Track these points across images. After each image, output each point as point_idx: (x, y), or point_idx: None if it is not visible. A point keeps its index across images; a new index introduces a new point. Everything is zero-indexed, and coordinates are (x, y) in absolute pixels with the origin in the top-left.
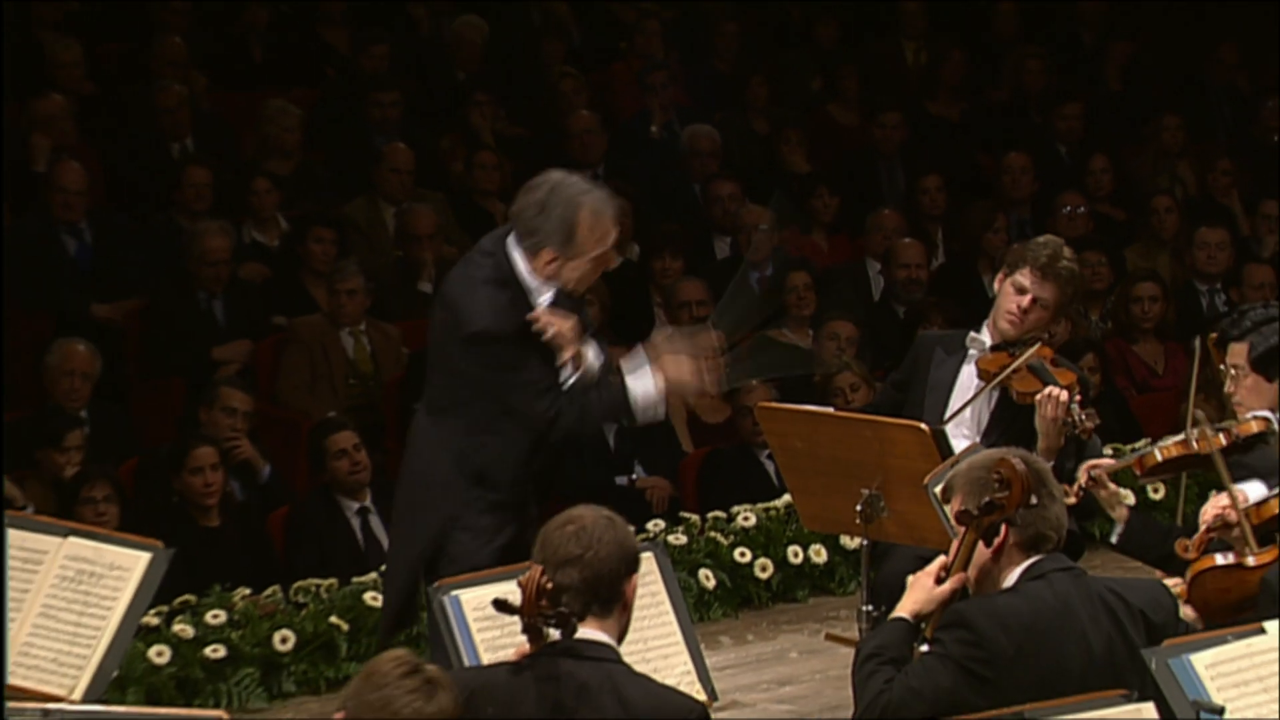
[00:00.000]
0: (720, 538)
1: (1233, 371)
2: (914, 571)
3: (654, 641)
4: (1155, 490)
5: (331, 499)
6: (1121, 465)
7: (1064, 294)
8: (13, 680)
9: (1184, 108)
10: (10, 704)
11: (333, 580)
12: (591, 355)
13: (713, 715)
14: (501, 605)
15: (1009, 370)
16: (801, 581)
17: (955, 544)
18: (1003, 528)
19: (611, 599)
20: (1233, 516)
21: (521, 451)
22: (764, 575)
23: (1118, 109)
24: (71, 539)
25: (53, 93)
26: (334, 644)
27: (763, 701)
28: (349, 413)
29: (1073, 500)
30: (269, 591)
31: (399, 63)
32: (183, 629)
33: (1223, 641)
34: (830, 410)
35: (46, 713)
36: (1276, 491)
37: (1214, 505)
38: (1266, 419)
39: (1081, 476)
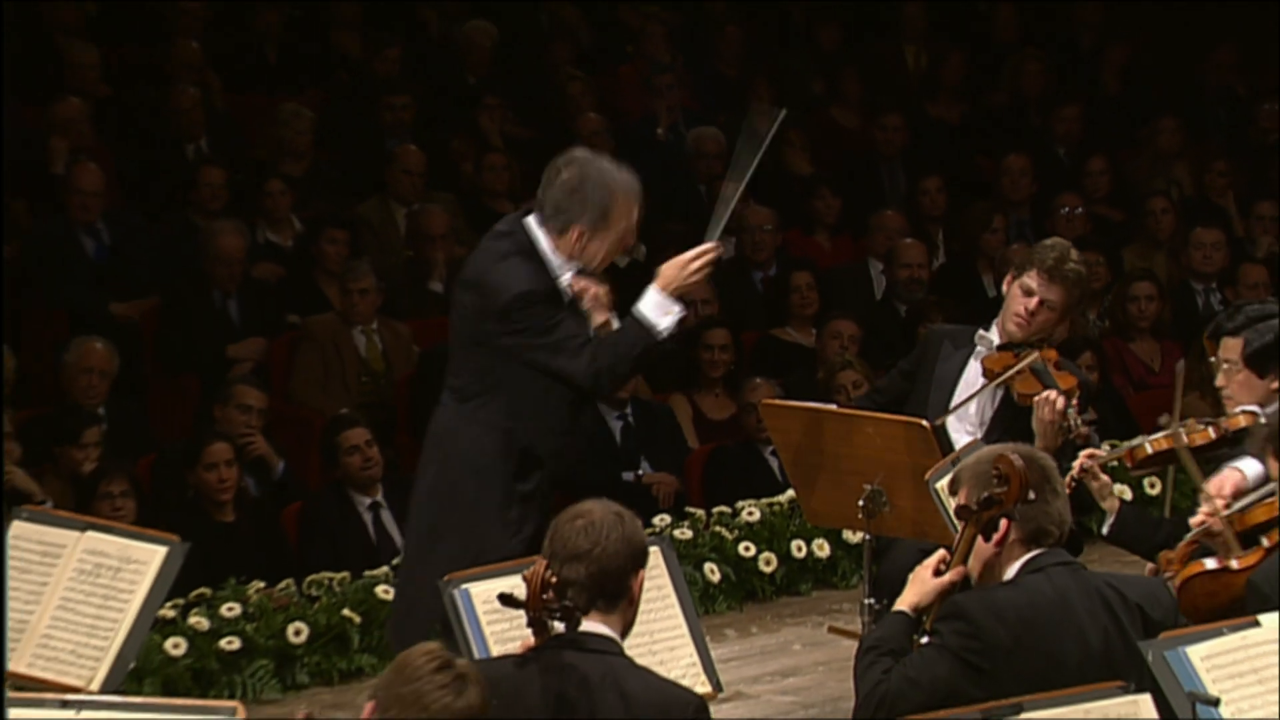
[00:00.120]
0: (725, 532)
1: (1225, 365)
2: (916, 565)
3: (660, 634)
4: (1153, 486)
5: (344, 494)
6: (1113, 457)
7: (1071, 296)
8: (32, 671)
9: (1181, 110)
10: (30, 694)
11: (345, 574)
12: (616, 324)
13: (717, 706)
14: (506, 599)
15: (1012, 371)
16: (805, 575)
17: (957, 538)
18: (1002, 522)
19: (617, 594)
20: (1216, 525)
21: (563, 420)
22: (768, 569)
23: (1115, 112)
24: (89, 533)
25: (70, 96)
26: (346, 636)
27: (767, 693)
28: (361, 409)
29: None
30: (283, 585)
31: (410, 66)
32: (198, 621)
33: (1218, 634)
34: (833, 407)
35: (65, 703)
36: (1258, 496)
37: (1200, 514)
38: (1254, 414)
39: (1075, 468)
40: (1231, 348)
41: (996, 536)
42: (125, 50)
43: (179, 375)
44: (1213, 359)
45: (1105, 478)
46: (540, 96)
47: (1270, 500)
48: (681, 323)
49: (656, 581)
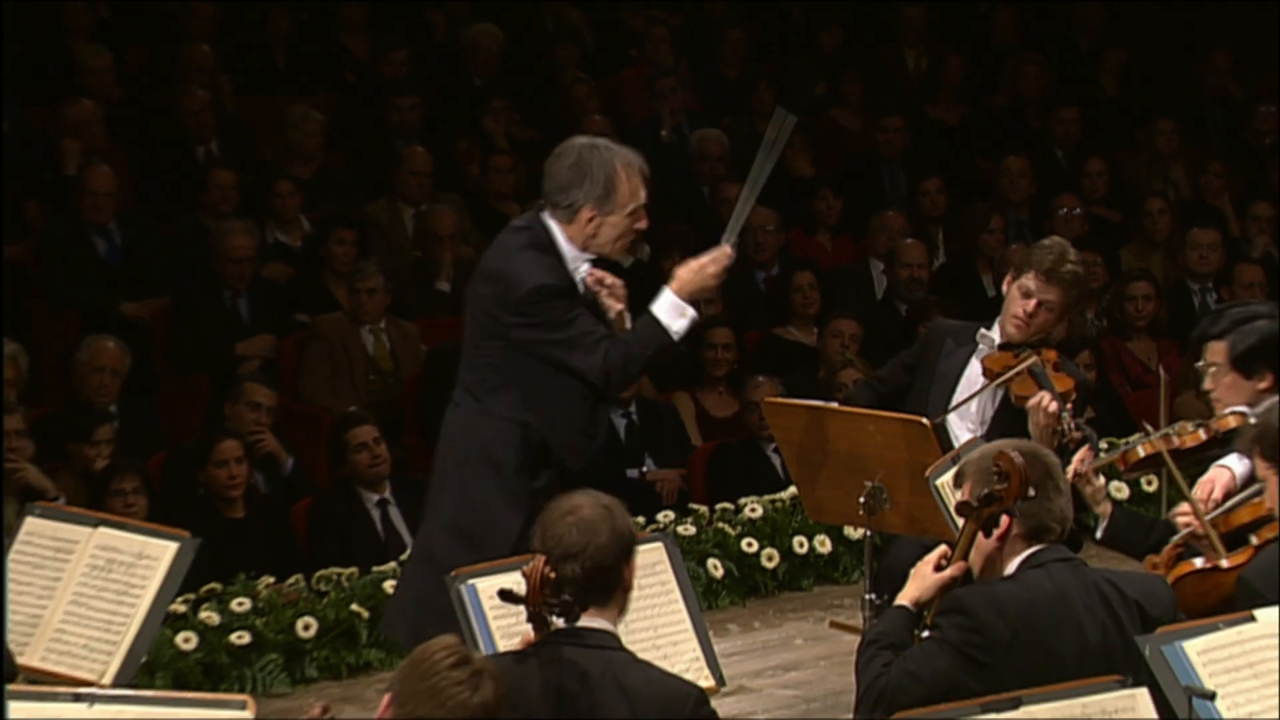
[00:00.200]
0: (728, 528)
1: (1212, 369)
2: (917, 561)
3: (664, 629)
4: (1150, 483)
5: (352, 491)
6: (1106, 462)
7: (1069, 296)
8: (45, 665)
9: (1178, 113)
10: (43, 688)
11: (353, 569)
12: (629, 319)
13: (720, 700)
14: (507, 595)
15: (1011, 373)
16: (806, 571)
17: (958, 534)
18: (1004, 518)
19: (612, 587)
20: (1200, 529)
21: (580, 416)
22: (770, 565)
23: (1113, 114)
24: (102, 529)
25: (83, 98)
26: (355, 631)
27: (769, 687)
28: (369, 408)
29: None
30: (292, 580)
31: (417, 69)
32: (209, 616)
33: (1214, 629)
34: (834, 405)
35: (78, 696)
36: (1243, 498)
37: (1183, 516)
38: (1243, 414)
39: (1069, 473)
40: (1217, 351)
41: (998, 532)
42: (137, 53)
43: (190, 374)
44: (1198, 364)
45: (1099, 482)
46: (545, 99)
47: (1256, 501)
48: (693, 325)
49: (660, 577)
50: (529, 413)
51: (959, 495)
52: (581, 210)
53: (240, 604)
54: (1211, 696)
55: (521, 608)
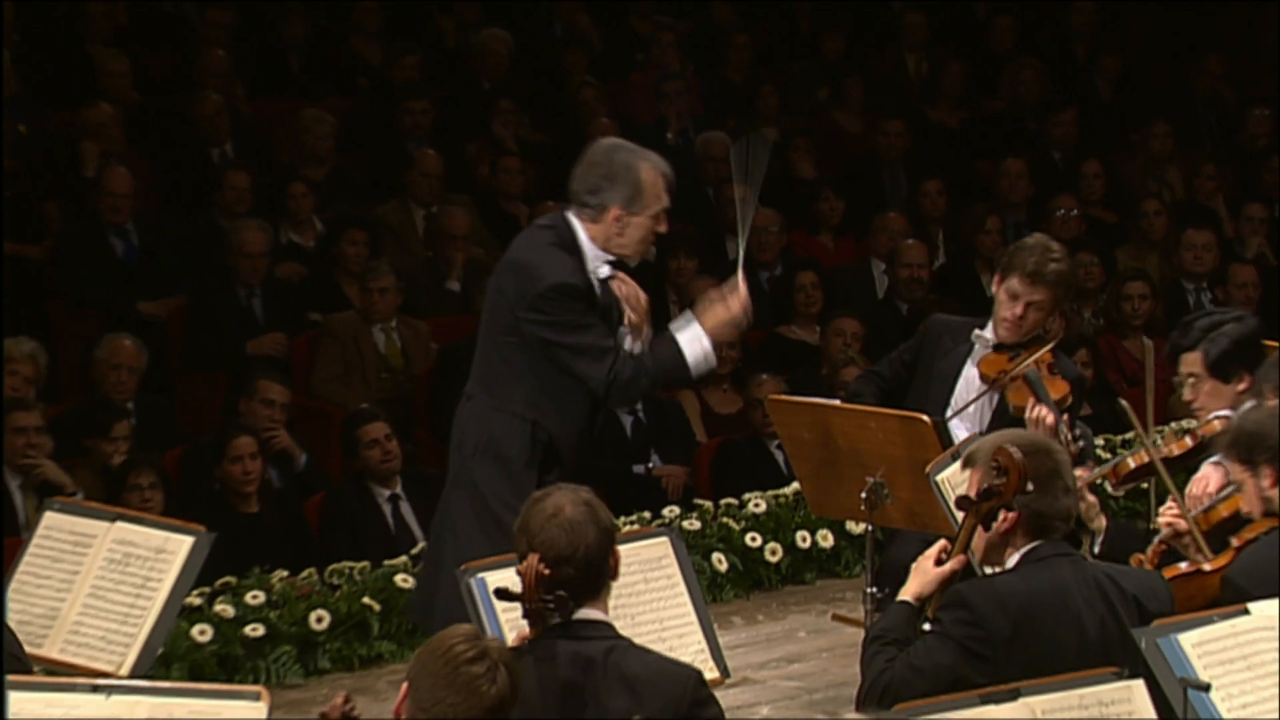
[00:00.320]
0: (732, 523)
1: (1190, 379)
2: (919, 556)
3: (670, 621)
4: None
5: (364, 486)
6: (1096, 476)
7: (1056, 293)
8: (64, 657)
9: (1172, 116)
10: (62, 679)
11: (365, 563)
12: (647, 331)
13: (725, 691)
14: (503, 594)
15: (1006, 379)
16: (809, 565)
17: (958, 528)
18: (1001, 513)
19: (602, 580)
20: (1183, 525)
21: (582, 415)
22: (774, 559)
23: (1109, 117)
24: (119, 524)
25: (102, 102)
26: (367, 623)
27: (772, 678)
28: (381, 404)
29: None
30: (305, 573)
31: (428, 73)
32: (224, 609)
33: (1209, 622)
34: (837, 403)
35: (96, 687)
36: (1224, 495)
37: (1165, 514)
38: (1227, 418)
39: None
40: (1192, 361)
41: (1003, 526)
42: (154, 58)
43: (205, 371)
44: (1175, 378)
45: (1092, 498)
46: (554, 102)
47: (1235, 495)
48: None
49: (666, 571)
50: (537, 410)
51: (967, 482)
52: (609, 210)
53: (255, 597)
54: (1206, 688)
55: (518, 605)
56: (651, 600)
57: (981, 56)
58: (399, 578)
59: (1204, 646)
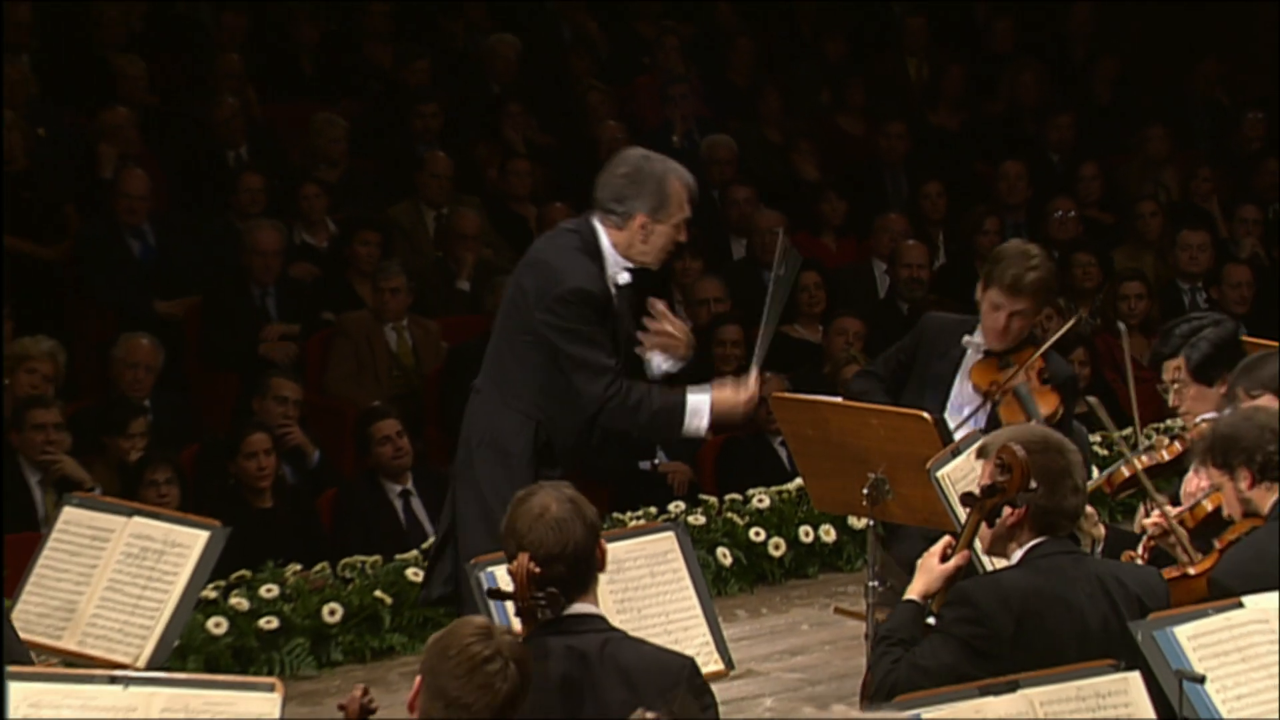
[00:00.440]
0: (736, 518)
1: (1175, 385)
2: (923, 551)
3: (675, 615)
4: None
5: (376, 482)
6: (1094, 486)
7: (1039, 299)
8: (82, 649)
9: (1169, 119)
10: (80, 670)
11: (377, 557)
12: (658, 360)
13: (729, 683)
14: (495, 594)
15: (996, 391)
16: (812, 559)
17: (962, 524)
18: (1004, 509)
19: (591, 574)
20: (1168, 525)
21: (581, 423)
22: (777, 553)
23: (1107, 120)
24: (136, 519)
25: (119, 105)
26: (378, 616)
27: (776, 671)
28: (392, 402)
29: None
30: (318, 567)
31: (438, 76)
32: (239, 602)
33: (1204, 615)
34: (839, 400)
35: (114, 679)
36: (1208, 492)
37: (1149, 521)
38: (1214, 421)
39: None
40: (1173, 368)
41: (1010, 522)
42: (170, 62)
43: (220, 369)
44: (1159, 386)
45: (1090, 509)
46: (561, 105)
47: (1216, 493)
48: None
49: (672, 565)
50: (541, 410)
51: (980, 472)
52: (635, 218)
53: (269, 590)
54: (1201, 680)
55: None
56: (657, 594)
57: (981, 60)
58: (410, 571)
59: (1199, 639)
